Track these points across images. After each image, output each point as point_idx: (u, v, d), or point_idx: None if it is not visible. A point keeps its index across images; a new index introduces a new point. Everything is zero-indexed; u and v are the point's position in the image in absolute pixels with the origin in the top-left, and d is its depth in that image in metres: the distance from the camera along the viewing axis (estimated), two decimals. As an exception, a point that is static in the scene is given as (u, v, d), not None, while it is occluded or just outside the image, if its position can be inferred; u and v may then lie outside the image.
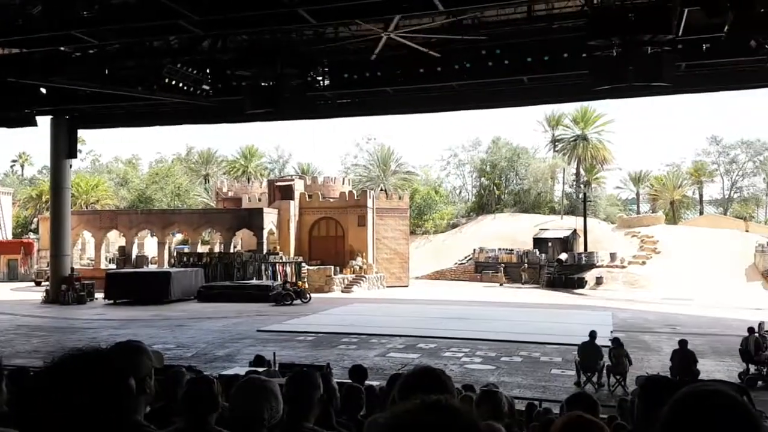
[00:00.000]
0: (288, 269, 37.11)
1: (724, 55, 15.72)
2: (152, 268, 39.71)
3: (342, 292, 37.72)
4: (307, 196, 42.85)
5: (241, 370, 9.68)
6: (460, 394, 5.82)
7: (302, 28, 14.59)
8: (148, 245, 45.55)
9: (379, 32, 14.71)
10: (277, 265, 36.92)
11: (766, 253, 40.11)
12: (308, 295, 31.63)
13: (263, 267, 36.62)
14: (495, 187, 63.55)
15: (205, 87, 18.39)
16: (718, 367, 15.12)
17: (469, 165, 70.26)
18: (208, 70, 18.00)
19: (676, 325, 23.15)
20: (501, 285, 43.08)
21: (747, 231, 49.50)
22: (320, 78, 17.41)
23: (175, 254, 40.99)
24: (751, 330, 14.02)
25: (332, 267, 38.69)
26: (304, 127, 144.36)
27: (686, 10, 11.84)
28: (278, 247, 39.84)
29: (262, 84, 15.47)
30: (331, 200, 42.97)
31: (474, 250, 48.50)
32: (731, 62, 17.47)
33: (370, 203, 41.88)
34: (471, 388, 7.33)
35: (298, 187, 43.58)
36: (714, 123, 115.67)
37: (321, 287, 37.42)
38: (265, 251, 38.37)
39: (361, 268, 40.03)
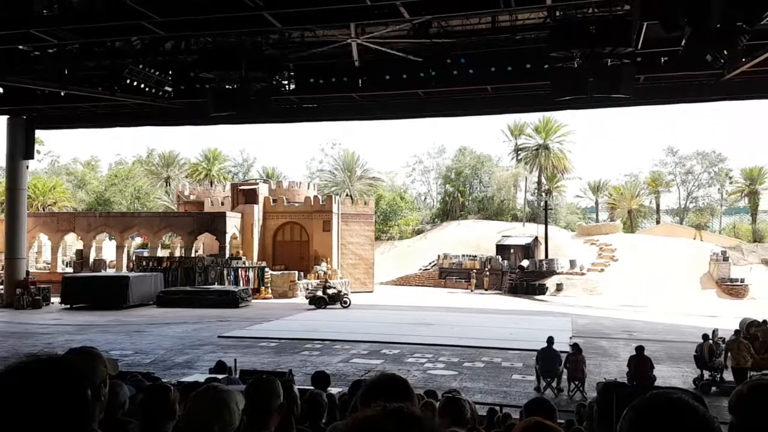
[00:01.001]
0: (251, 274, 36.72)
1: (681, 69, 16.20)
2: (110, 272, 38.83)
3: (306, 297, 37.45)
4: (271, 200, 42.51)
5: (201, 377, 9.54)
6: (422, 400, 5.85)
7: (267, 32, 14.50)
8: (107, 249, 44.53)
9: (345, 38, 14.73)
10: (239, 270, 36.49)
11: (720, 261, 41.32)
12: (348, 300, 31.27)
13: (225, 272, 36.16)
14: (459, 194, 64.14)
15: (168, 88, 18.10)
16: (674, 373, 15.50)
17: (434, 172, 70.81)
18: (170, 72, 17.73)
19: (632, 331, 23.67)
20: (472, 291, 43.39)
21: (696, 239, 51.02)
22: (286, 82, 17.31)
23: (134, 258, 40.20)
24: (705, 337, 14.42)
25: (296, 272, 38.42)
26: (269, 131, 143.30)
27: (645, 24, 12.18)
28: (241, 252, 39.39)
29: (226, 87, 15.33)
30: (296, 205, 42.72)
31: (438, 256, 48.79)
32: (688, 75, 18.01)
33: (335, 208, 41.78)
34: (433, 394, 7.37)
35: (263, 191, 43.20)
36: (671, 134, 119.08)
37: (285, 292, 37.12)
38: (227, 256, 37.88)
39: (325, 273, 39.85)
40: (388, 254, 54.40)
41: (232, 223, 39.71)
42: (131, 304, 30.09)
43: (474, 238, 51.99)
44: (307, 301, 31.71)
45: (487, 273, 44.58)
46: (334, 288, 32.51)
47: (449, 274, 46.75)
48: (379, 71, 16.84)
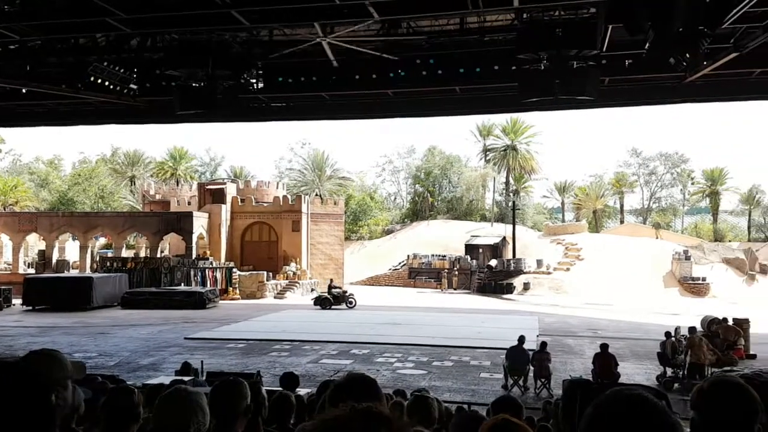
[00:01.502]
0: (218, 275, 36.33)
1: (645, 71, 16.52)
2: (74, 273, 38.03)
3: (275, 298, 37.25)
4: (239, 200, 42.11)
5: (167, 380, 9.40)
6: (391, 399, 5.86)
7: (235, 30, 14.36)
8: (70, 249, 43.58)
9: (313, 37, 14.66)
10: (206, 270, 36.08)
11: (682, 261, 42.32)
12: (353, 300, 31.20)
13: (192, 272, 35.70)
14: (429, 194, 64.47)
15: (133, 86, 17.77)
16: (638, 370, 15.82)
17: (403, 172, 71.05)
18: (135, 69, 17.42)
19: (597, 329, 24.09)
20: (444, 291, 43.60)
21: (657, 238, 52.22)
22: (254, 80, 17.14)
23: (98, 259, 39.44)
24: (668, 334, 14.75)
25: (265, 273, 38.14)
26: (236, 130, 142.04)
27: (610, 28, 12.39)
28: (208, 252, 38.94)
29: (193, 85, 15.12)
30: (265, 205, 42.39)
31: (408, 256, 48.96)
32: (651, 78, 18.38)
33: (304, 208, 41.58)
34: (402, 394, 7.38)
35: (231, 190, 42.77)
36: (635, 136, 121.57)
37: (253, 293, 36.82)
38: (194, 256, 37.41)
39: (295, 273, 39.65)
40: (357, 254, 54.39)
41: (199, 223, 39.24)
42: (95, 305, 29.58)
43: (443, 238, 52.32)
44: (311, 302, 31.66)
45: (456, 273, 44.88)
46: (339, 288, 32.52)
47: (419, 273, 46.95)
48: (349, 71, 16.79)
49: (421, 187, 65.71)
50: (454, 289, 43.71)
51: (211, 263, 37.06)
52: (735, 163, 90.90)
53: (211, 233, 40.27)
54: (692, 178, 66.12)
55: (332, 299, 30.81)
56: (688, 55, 11.70)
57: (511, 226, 47.15)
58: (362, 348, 18.72)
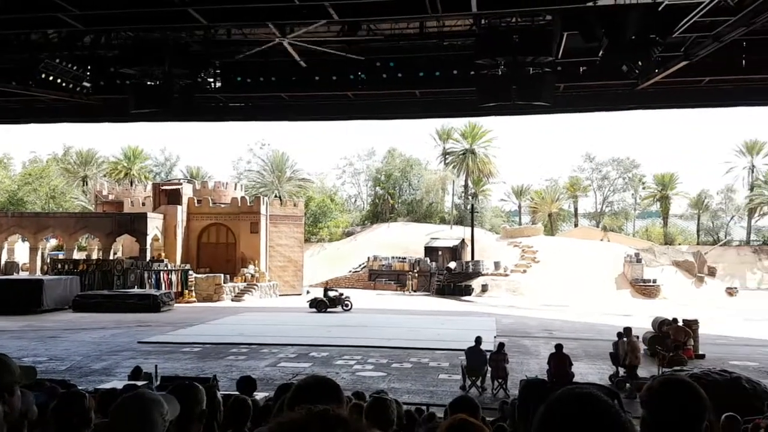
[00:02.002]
0: (174, 277, 35.67)
1: (599, 78, 16.92)
2: (23, 275, 36.82)
3: (232, 300, 36.77)
4: (196, 201, 41.42)
5: (119, 384, 9.18)
6: (350, 401, 5.85)
7: (192, 28, 14.14)
8: (19, 251, 42.15)
9: (273, 37, 14.54)
10: (161, 272, 35.38)
11: (634, 263, 43.46)
12: (349, 303, 30.79)
13: (146, 275, 34.97)
14: (389, 197, 64.63)
15: (86, 84, 17.31)
16: (591, 370, 16.17)
17: (364, 174, 71.08)
18: (89, 67, 16.98)
19: (553, 330, 24.54)
20: (407, 293, 43.71)
21: (603, 240, 53.65)
22: (211, 80, 16.91)
23: (48, 261, 38.28)
24: (620, 335, 15.11)
25: (222, 275, 37.61)
26: (193, 130, 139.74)
27: (565, 35, 12.66)
28: (163, 254, 38.19)
29: (148, 83, 14.82)
30: (222, 206, 41.81)
31: (368, 258, 48.97)
32: (605, 84, 18.84)
33: (263, 210, 41.16)
34: (361, 396, 7.39)
35: (187, 191, 42.03)
36: (589, 141, 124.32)
37: (210, 296, 36.27)
38: (148, 258, 36.65)
39: (253, 276, 39.21)
40: (317, 256, 54.14)
41: (154, 224, 38.46)
42: (45, 308, 28.81)
43: (403, 240, 52.52)
44: (308, 304, 31.23)
45: (416, 275, 45.10)
46: (336, 291, 32.18)
47: (379, 275, 47.00)
48: (309, 72, 16.71)
49: (382, 190, 65.86)
50: (414, 291, 43.92)
51: (166, 265, 36.38)
52: (684, 169, 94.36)
53: (166, 235, 39.52)
54: (643, 183, 68.00)
55: (328, 302, 30.52)
56: (640, 63, 12.05)
57: (469, 228, 47.65)
58: (321, 351, 18.63)
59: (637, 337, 15.11)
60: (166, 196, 41.81)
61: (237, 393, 6.11)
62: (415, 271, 45.45)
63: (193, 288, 36.16)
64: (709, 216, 65.17)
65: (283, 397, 2.29)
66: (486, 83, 13.53)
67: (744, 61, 16.78)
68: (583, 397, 1.51)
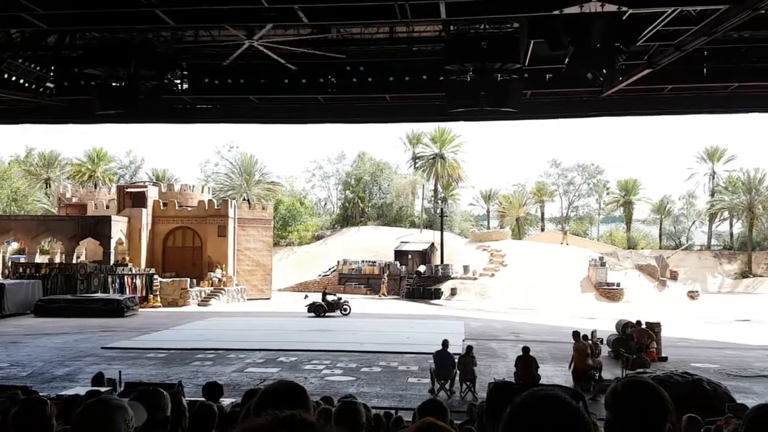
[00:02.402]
0: (138, 282, 35.06)
1: (565, 85, 17.21)
2: (-20, 280, 35.76)
3: (199, 305, 36.27)
4: (161, 204, 40.79)
5: (82, 390, 8.98)
6: (319, 406, 5.83)
7: (159, 29, 13.94)
8: (-24, 255, 40.94)
9: (242, 39, 14.43)
10: (125, 277, 34.77)
11: (598, 267, 44.20)
12: (347, 307, 30.48)
13: (110, 279, 34.33)
14: (359, 200, 64.62)
15: (50, 84, 16.94)
16: (557, 372, 16.37)
17: (334, 178, 70.97)
18: (53, 67, 16.62)
19: (520, 332, 24.80)
20: (382, 296, 43.68)
21: (563, 243, 54.63)
22: (178, 81, 16.69)
23: (9, 265, 37.28)
24: (585, 337, 15.34)
25: (188, 279, 37.08)
26: (159, 132, 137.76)
27: (532, 42, 12.84)
28: (128, 258, 37.53)
29: (113, 84, 14.56)
30: (189, 209, 41.25)
31: (338, 261, 48.84)
32: (570, 92, 19.16)
33: (231, 213, 40.74)
34: (329, 401, 7.36)
35: (152, 194, 41.37)
36: (555, 147, 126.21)
37: (175, 301, 35.74)
38: (112, 262, 35.97)
39: (220, 280, 38.75)
40: (286, 260, 53.80)
41: (118, 227, 37.77)
42: (6, 313, 28.14)
43: (373, 244, 52.54)
44: (306, 309, 30.78)
45: (386, 278, 45.14)
46: (334, 295, 31.91)
47: (348, 279, 46.92)
48: (278, 75, 16.63)
49: (352, 193, 65.81)
50: (384, 295, 43.96)
51: (131, 270, 35.76)
52: (647, 175, 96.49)
53: (130, 238, 38.84)
54: (607, 189, 69.33)
55: (326, 306, 30.26)
56: (604, 71, 12.28)
57: (439, 232, 47.90)
58: (290, 355, 18.50)
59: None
60: (131, 199, 41.10)
61: (203, 399, 6.04)
62: (386, 275, 45.50)
63: (158, 292, 35.60)
64: (671, 221, 66.71)
65: (249, 402, 2.27)
66: (455, 89, 13.65)
67: (705, 70, 17.24)
68: (548, 399, 1.53)
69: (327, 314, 29.83)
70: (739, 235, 61.73)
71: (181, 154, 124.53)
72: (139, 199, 40.60)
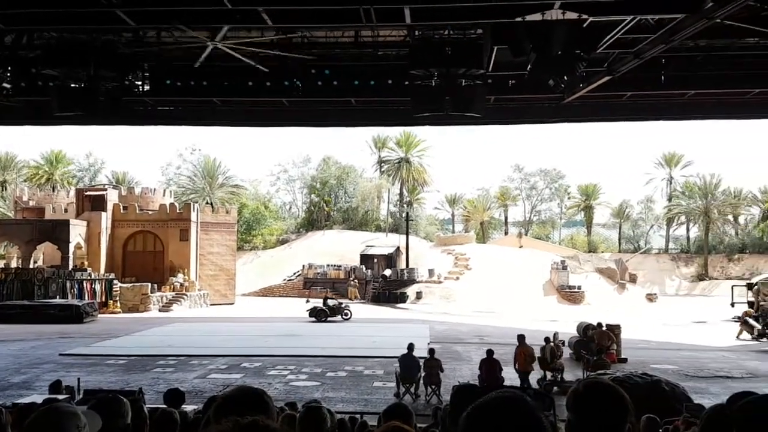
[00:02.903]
0: (97, 287, 34.28)
1: (527, 91, 17.48)
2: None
3: (160, 311, 35.63)
4: (121, 207, 39.97)
5: (39, 398, 8.73)
6: (283, 412, 5.78)
7: (120, 30, 13.68)
8: (-75, 260, 39.48)
9: (205, 41, 14.26)
10: (84, 282, 33.96)
11: (560, 270, 44.91)
12: (348, 312, 30.33)
13: (69, 284, 33.48)
14: (325, 204, 64.37)
15: (6, 85, 16.45)
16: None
17: (299, 181, 70.56)
18: (9, 67, 16.16)
19: (484, 335, 25.01)
20: (355, 300, 43.49)
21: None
22: (140, 83, 16.40)
23: (-40, 270, 35.99)
24: (547, 340, 15.57)
25: (149, 284, 36.40)
26: (120, 134, 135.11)
27: (495, 48, 13.01)
28: (87, 263, 36.66)
29: (72, 85, 14.22)
30: (150, 213, 40.52)
31: (303, 266, 48.54)
32: (533, 98, 19.46)
33: (193, 216, 40.15)
34: (294, 406, 7.31)
35: (112, 197, 40.52)
36: (518, 152, 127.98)
37: (136, 306, 35.04)
38: (71, 267, 35.08)
39: (182, 285, 38.13)
40: (251, 264, 53.25)
41: (77, 231, 36.88)
42: (-44, 321, 27.08)
43: (339, 248, 52.40)
44: (307, 313, 30.62)
45: (356, 282, 45.06)
46: (335, 300, 31.73)
47: (314, 284, 46.67)
48: (242, 77, 16.47)
49: (317, 197, 65.52)
50: (356, 298, 43.87)
51: (90, 274, 34.95)
52: (607, 180, 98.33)
53: (89, 242, 37.96)
54: (569, 193, 70.60)
55: (328, 311, 30.07)
56: (566, 77, 12.52)
57: (404, 236, 48.04)
58: (254, 361, 18.30)
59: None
60: (90, 203, 40.18)
61: (164, 406, 5.93)
62: (351, 278, 45.42)
63: (117, 298, 34.88)
64: (630, 225, 68.23)
65: (210, 408, 2.23)
66: (420, 93, 13.74)
67: (663, 77, 17.71)
68: (505, 401, 1.56)
69: (328, 319, 29.73)
70: (696, 239, 63.44)
71: (142, 157, 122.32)
72: (99, 203, 39.73)
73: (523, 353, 14.64)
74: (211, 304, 39.22)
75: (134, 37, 14.53)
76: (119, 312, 34.12)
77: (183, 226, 39.51)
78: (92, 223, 38.24)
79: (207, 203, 50.44)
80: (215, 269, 41.54)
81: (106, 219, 38.82)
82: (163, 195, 45.30)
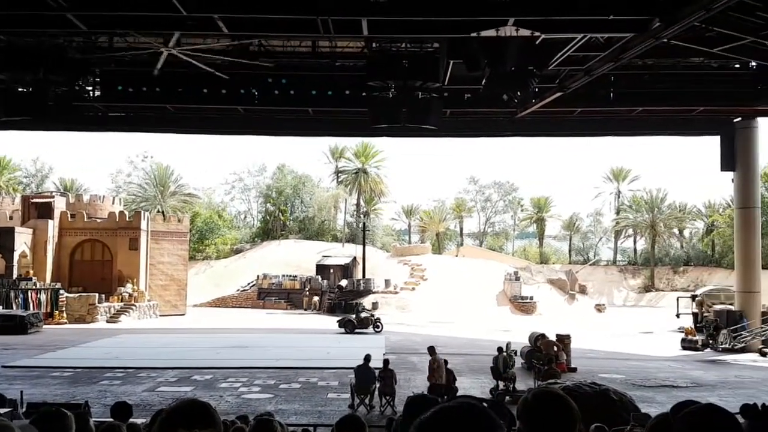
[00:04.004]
0: (43, 297, 33.11)
1: (482, 105, 17.81)
2: None
3: (108, 322, 34.62)
4: (69, 215, 38.77)
5: (-23, 416, 8.35)
6: (233, 425, 5.70)
7: (71, 34, 13.35)
8: None
9: (159, 47, 14.03)
10: (29, 292, 32.76)
11: (512, 281, 45.59)
12: (380, 325, 29.41)
13: (13, 294, 32.25)
14: (280, 214, 63.78)
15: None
16: (474, 384, 16.70)
17: (254, 190, 69.71)
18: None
19: (438, 346, 24.98)
20: (313, 311, 43.04)
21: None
22: (90, 88, 16.04)
23: None
24: (500, 350, 15.75)
25: (97, 294, 35.35)
26: (69, 140, 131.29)
27: (451, 63, 13.23)
28: (32, 272, 35.38)
29: (20, 89, 13.80)
30: (99, 221, 39.41)
31: (258, 276, 47.92)
32: (487, 112, 19.83)
33: (144, 225, 39.24)
34: (245, 419, 7.20)
35: (59, 204, 39.28)
36: (473, 165, 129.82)
37: (83, 317, 33.98)
38: (15, 276, 33.80)
39: (131, 295, 37.16)
40: (203, 274, 52.30)
41: (22, 239, 35.61)
42: None
43: (295, 258, 51.94)
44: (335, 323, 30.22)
45: (307, 293, 44.72)
46: (368, 311, 30.72)
47: (268, 294, 46.12)
48: (196, 84, 16.27)
49: (273, 206, 64.88)
50: (305, 310, 43.51)
51: (35, 284, 33.76)
52: (558, 193, 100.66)
53: (35, 251, 36.68)
54: (522, 206, 71.87)
55: (356, 322, 29.30)
56: (519, 93, 12.80)
57: (361, 246, 47.99)
58: (205, 373, 17.94)
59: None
60: (37, 210, 38.85)
61: (111, 420, 5.76)
62: (307, 289, 45.11)
63: (64, 308, 33.75)
64: (580, 237, 69.81)
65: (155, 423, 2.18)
66: (378, 105, 13.83)
67: (612, 94, 18.30)
68: (457, 409, 1.59)
69: (357, 330, 29.05)
70: (643, 251, 65.28)
71: (91, 164, 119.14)
72: (46, 210, 38.46)
73: (432, 364, 14.43)
74: (161, 315, 38.31)
75: (85, 42, 14.21)
76: (65, 323, 33.02)
77: (132, 235, 38.57)
78: (38, 231, 37.00)
79: (158, 212, 49.35)
80: (166, 279, 40.64)
81: (52, 227, 37.62)
82: (113, 203, 44.15)
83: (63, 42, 13.53)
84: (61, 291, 34.37)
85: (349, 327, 29.39)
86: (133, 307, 36.62)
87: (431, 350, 14.80)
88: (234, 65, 15.60)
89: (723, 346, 24.58)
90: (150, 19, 12.06)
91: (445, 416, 1.57)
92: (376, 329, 29.52)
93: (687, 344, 26.08)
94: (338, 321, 30.53)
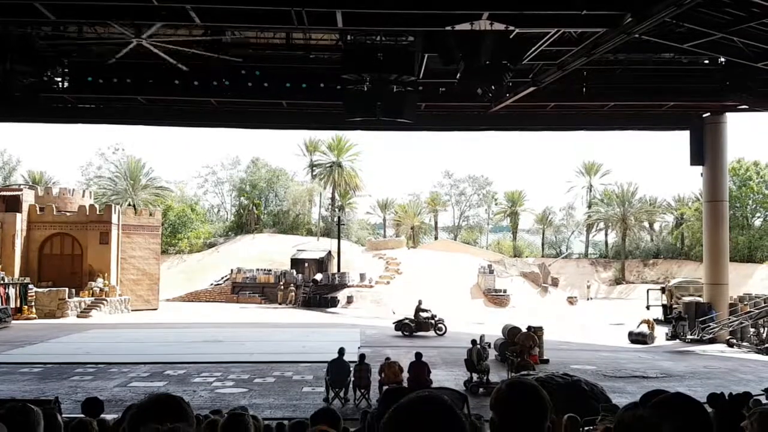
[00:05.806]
0: (11, 291, 32.43)
1: (456, 99, 17.88)
2: None
3: (78, 317, 34.05)
4: (38, 208, 38.00)
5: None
6: (207, 419, 5.65)
7: (39, 23, 13.05)
8: None
9: (130, 37, 13.79)
10: (-4, 287, 32.03)
11: (486, 274, 45.93)
12: (443, 327, 26.34)
13: (-22, 290, 31.48)
14: (255, 207, 63.31)
15: None
16: (448, 376, 16.82)
17: (228, 183, 69.09)
18: None
19: (413, 339, 25.23)
20: (289, 305, 42.78)
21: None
22: (59, 79, 15.70)
23: None
24: (474, 342, 15.88)
25: (67, 289, 34.73)
26: (37, 132, 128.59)
27: (426, 56, 13.24)
28: (0, 267, 34.61)
29: (-14, 80, 13.46)
30: (68, 214, 38.69)
31: (231, 270, 47.54)
32: (462, 106, 19.90)
33: (115, 219, 38.63)
34: (219, 413, 7.15)
35: (28, 198, 38.46)
36: (448, 159, 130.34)
37: (52, 312, 33.37)
38: (-19, 272, 33.03)
39: (102, 290, 36.58)
40: (176, 269, 51.74)
41: (-11, 234, 34.76)
42: None
43: (269, 252, 51.64)
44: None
45: (282, 287, 44.52)
46: (428, 312, 27.14)
47: (242, 288, 45.79)
48: (169, 76, 16.03)
49: (247, 200, 64.37)
50: (279, 304, 43.32)
51: (3, 278, 33.02)
52: (532, 187, 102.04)
53: (3, 245, 35.89)
54: (495, 200, 72.42)
55: (413, 325, 26.34)
56: (493, 87, 12.87)
57: (336, 240, 47.90)
58: (178, 368, 17.77)
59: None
60: (4, 203, 37.99)
61: (82, 415, 5.68)
62: (281, 283, 44.89)
63: (33, 303, 33.10)
64: (553, 231, 70.59)
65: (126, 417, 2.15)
66: (352, 98, 13.79)
67: (585, 89, 18.50)
68: (424, 400, 1.61)
69: (416, 334, 26.09)
70: (614, 244, 66.28)
71: (60, 156, 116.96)
72: (13, 203, 37.62)
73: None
74: (133, 310, 37.80)
75: (54, 32, 13.90)
76: (34, 318, 32.40)
77: (103, 229, 37.95)
78: (6, 225, 36.20)
79: (129, 205, 48.63)
80: (138, 273, 40.11)
81: (21, 220, 36.84)
82: (83, 196, 43.35)
83: (31, 31, 13.22)
84: (30, 286, 33.71)
85: (406, 330, 26.34)
86: (104, 302, 36.07)
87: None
88: (207, 57, 15.40)
89: (690, 337, 25.11)
90: (121, 9, 11.84)
91: (412, 407, 1.60)
92: (438, 332, 26.52)
93: (634, 337, 25.37)
94: (394, 324, 26.97)
